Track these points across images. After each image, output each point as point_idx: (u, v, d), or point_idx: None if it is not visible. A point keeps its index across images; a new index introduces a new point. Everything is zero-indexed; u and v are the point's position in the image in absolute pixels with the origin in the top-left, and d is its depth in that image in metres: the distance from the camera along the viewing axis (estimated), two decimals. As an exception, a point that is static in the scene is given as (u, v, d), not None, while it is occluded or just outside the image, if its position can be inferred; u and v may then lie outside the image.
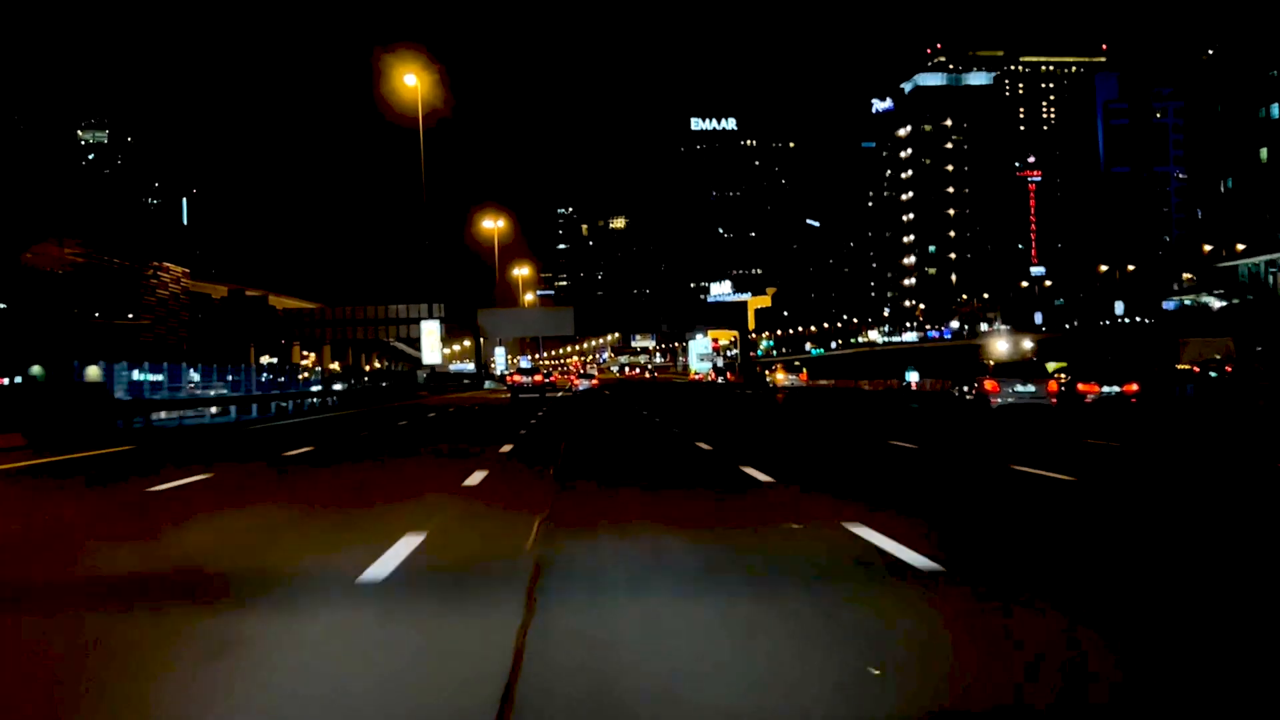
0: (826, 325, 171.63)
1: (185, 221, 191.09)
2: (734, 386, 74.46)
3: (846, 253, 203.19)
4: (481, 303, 75.94)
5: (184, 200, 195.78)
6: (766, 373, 73.21)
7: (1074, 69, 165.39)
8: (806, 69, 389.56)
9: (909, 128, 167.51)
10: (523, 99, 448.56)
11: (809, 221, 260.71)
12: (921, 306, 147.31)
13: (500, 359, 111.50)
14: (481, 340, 75.55)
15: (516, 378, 51.97)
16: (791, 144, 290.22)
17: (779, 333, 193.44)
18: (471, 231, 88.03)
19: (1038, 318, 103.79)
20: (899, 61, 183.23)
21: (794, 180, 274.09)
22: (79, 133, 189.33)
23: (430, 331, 68.30)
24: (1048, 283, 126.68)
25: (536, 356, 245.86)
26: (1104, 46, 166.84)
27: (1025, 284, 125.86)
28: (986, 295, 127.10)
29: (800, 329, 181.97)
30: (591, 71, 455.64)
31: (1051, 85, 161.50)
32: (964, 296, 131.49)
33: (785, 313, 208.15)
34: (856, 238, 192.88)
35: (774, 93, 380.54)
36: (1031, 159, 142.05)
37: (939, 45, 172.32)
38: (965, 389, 29.37)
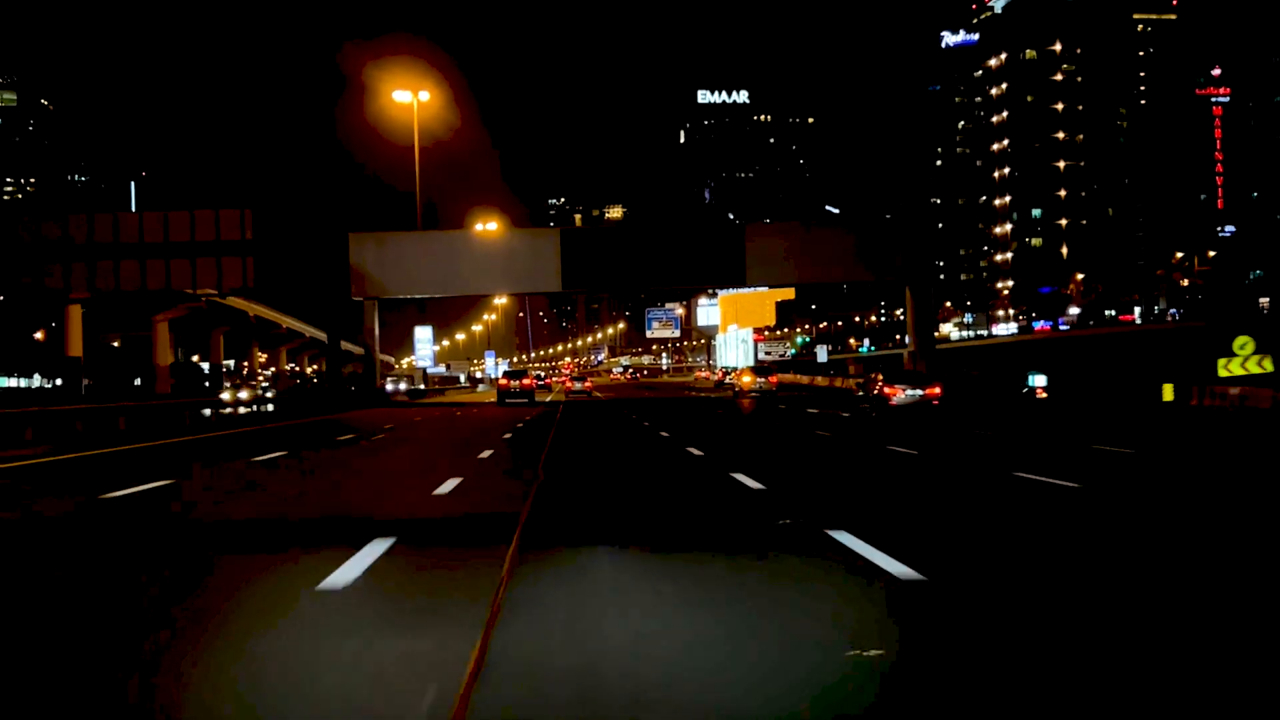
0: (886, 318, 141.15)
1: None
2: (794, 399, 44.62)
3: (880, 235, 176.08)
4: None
5: None
6: (733, 376, 61.69)
7: (1141, 26, 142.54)
8: (826, 32, 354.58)
9: (1003, 56, 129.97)
10: (511, 80, 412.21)
11: (828, 208, 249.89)
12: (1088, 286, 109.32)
13: (424, 349, 71.68)
14: (370, 305, 37.08)
15: (505, 381, 48.90)
16: (810, 119, 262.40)
17: (822, 326, 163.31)
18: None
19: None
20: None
21: (812, 159, 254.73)
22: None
23: None
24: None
25: (524, 358, 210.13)
26: (1174, 1, 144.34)
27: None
28: (1181, 255, 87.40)
29: (839, 324, 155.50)
30: (583, 44, 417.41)
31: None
32: (1165, 264, 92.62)
33: (813, 305, 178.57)
34: (903, 211, 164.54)
35: (790, 61, 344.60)
36: (1216, 70, 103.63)
37: (974, 5, 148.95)
38: None
